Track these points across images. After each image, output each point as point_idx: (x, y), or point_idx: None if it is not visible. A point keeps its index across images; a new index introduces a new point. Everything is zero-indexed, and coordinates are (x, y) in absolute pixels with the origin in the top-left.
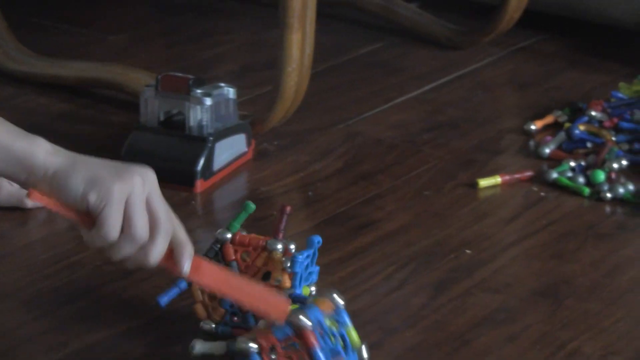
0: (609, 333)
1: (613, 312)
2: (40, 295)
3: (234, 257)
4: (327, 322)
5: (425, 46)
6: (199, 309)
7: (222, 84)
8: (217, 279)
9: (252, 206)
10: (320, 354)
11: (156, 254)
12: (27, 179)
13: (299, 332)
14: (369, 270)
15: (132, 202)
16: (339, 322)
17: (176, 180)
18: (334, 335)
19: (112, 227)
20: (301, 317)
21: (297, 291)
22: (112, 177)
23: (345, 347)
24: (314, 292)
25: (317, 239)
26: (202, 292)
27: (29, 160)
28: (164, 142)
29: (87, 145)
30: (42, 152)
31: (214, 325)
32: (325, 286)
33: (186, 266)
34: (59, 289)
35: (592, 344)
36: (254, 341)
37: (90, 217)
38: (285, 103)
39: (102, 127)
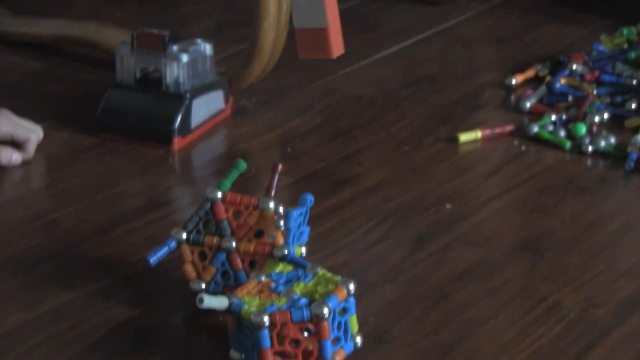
0: (589, 286)
1: (594, 265)
2: (16, 253)
3: (224, 216)
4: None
5: (404, 2)
6: (189, 269)
7: (199, 40)
8: None
9: (244, 164)
10: (329, 349)
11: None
12: None
13: (317, 321)
14: (348, 225)
15: None
16: (345, 309)
17: (153, 138)
18: (339, 323)
19: None
20: (325, 309)
21: (291, 248)
22: None
23: (345, 333)
24: (304, 253)
25: (310, 198)
26: (192, 251)
27: None
28: (140, 100)
29: (62, 104)
30: None
31: (203, 286)
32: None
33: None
34: (35, 248)
35: (573, 296)
36: (269, 316)
37: None
38: (263, 60)
39: (77, 85)
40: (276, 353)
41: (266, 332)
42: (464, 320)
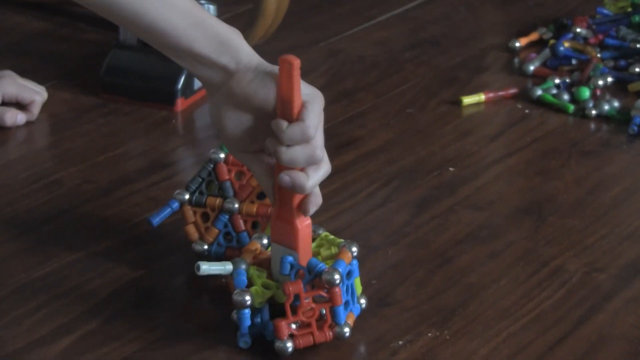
0: (592, 250)
1: (597, 229)
2: (19, 214)
3: (227, 177)
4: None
5: None
6: (191, 230)
7: (203, 1)
8: None
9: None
10: (342, 314)
11: (314, 181)
12: (229, 62)
13: (330, 288)
14: (351, 188)
15: (322, 121)
16: (350, 272)
17: (157, 99)
18: (347, 287)
19: (314, 124)
20: (336, 275)
21: None
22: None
23: (352, 296)
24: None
25: None
26: (195, 212)
27: (235, 45)
28: (143, 61)
29: (65, 64)
30: (244, 42)
31: (206, 247)
32: None
33: (310, 212)
34: (38, 208)
35: (575, 260)
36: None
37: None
38: (266, 21)
39: (80, 45)
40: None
41: (247, 311)
42: (466, 284)
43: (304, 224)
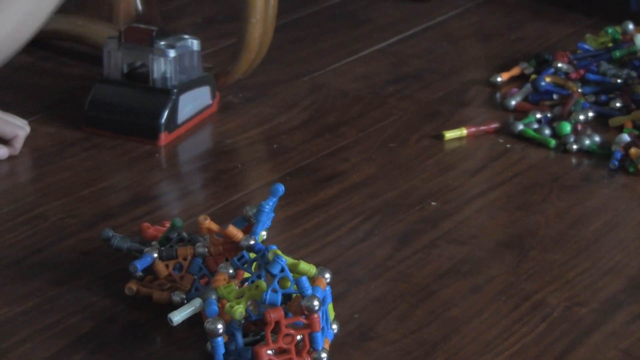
0: (573, 284)
1: (578, 263)
2: (2, 248)
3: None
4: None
5: None
6: (157, 296)
7: (186, 36)
8: None
9: (178, 223)
10: (320, 340)
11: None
12: None
13: (309, 315)
14: (334, 222)
15: None
16: (324, 298)
17: (140, 133)
18: (322, 312)
19: None
20: (315, 302)
21: (256, 236)
22: None
23: (326, 322)
24: (265, 237)
25: (281, 188)
26: (167, 265)
27: None
28: (127, 95)
29: (49, 98)
30: None
31: (184, 296)
32: (289, 238)
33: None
34: (21, 242)
35: (557, 295)
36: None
37: None
38: (250, 55)
39: (64, 79)
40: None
41: (220, 339)
42: (448, 318)
43: None
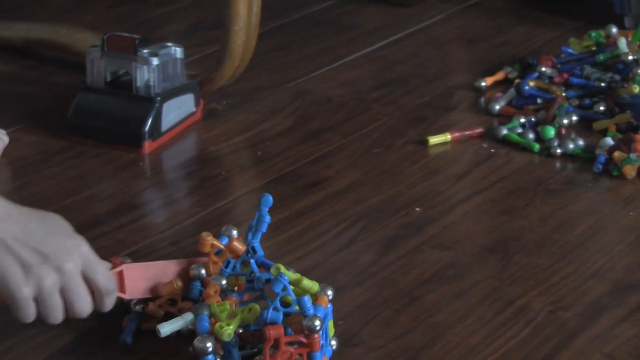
0: (558, 288)
1: (562, 267)
2: None
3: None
4: None
5: (375, 3)
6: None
7: (169, 44)
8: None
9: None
10: (319, 358)
11: (108, 307)
12: None
13: (309, 334)
14: (318, 228)
15: (69, 287)
16: (326, 316)
17: (124, 142)
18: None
19: (55, 317)
20: (317, 322)
21: (256, 243)
22: (41, 266)
23: (326, 339)
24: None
25: (270, 198)
26: (160, 305)
27: None
28: (111, 103)
29: (33, 107)
30: None
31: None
32: (274, 245)
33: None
34: None
35: (541, 299)
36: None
37: None
38: (233, 62)
39: (48, 88)
40: None
41: (211, 357)
42: (432, 323)
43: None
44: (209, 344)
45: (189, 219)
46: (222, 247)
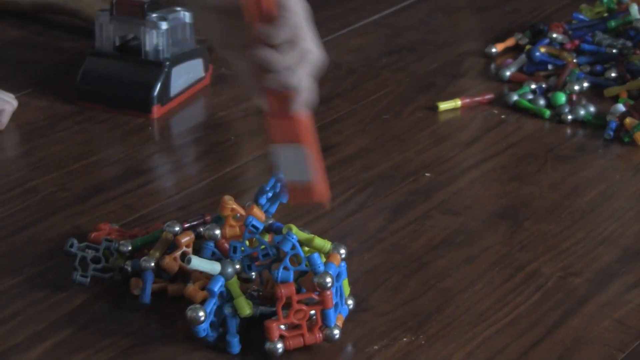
0: (568, 254)
1: (572, 233)
2: None
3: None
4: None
5: None
6: (172, 289)
7: (178, 8)
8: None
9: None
10: (333, 317)
11: (302, 77)
12: None
13: (322, 292)
14: None
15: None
16: (339, 274)
17: (132, 106)
18: (336, 289)
19: (298, 21)
20: (328, 279)
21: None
22: None
23: (341, 297)
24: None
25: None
26: (175, 259)
27: None
28: (119, 68)
29: (41, 72)
30: None
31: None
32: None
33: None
34: (13, 215)
35: (551, 265)
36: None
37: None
38: None
39: (56, 53)
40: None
41: (202, 326)
42: (441, 289)
43: (302, 114)
44: (201, 313)
45: (197, 184)
46: (242, 212)
